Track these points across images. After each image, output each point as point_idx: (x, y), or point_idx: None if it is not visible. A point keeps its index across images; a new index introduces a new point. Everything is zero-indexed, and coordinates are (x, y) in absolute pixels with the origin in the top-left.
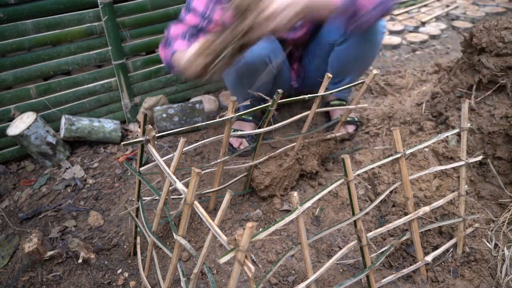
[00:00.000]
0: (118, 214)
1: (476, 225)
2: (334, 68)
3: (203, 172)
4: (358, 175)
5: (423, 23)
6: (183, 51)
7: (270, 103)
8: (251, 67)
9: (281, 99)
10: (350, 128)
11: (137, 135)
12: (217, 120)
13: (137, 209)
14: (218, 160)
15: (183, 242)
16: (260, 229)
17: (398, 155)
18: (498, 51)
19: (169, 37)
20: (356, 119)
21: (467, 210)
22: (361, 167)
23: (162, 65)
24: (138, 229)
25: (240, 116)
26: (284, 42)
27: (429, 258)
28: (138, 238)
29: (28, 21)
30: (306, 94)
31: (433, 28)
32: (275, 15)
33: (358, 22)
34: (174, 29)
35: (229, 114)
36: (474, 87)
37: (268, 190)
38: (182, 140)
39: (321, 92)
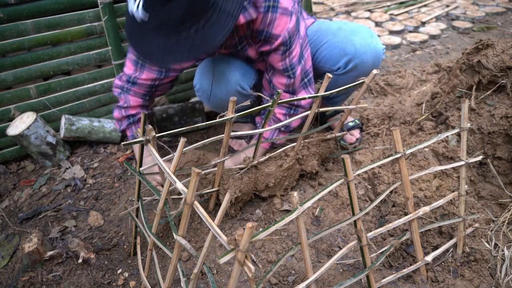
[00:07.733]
0: (118, 214)
1: (476, 225)
2: (329, 89)
3: (203, 172)
4: (358, 175)
5: (423, 23)
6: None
7: (270, 103)
8: (225, 103)
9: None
10: (356, 133)
11: (137, 135)
12: (217, 120)
13: (137, 209)
14: (218, 160)
15: (183, 242)
16: (260, 229)
17: (398, 155)
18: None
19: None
20: (357, 121)
21: (467, 210)
22: (361, 167)
23: None
24: (138, 229)
25: (239, 116)
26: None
27: (429, 258)
28: (138, 238)
29: (28, 21)
30: None
31: (433, 28)
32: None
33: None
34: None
35: (229, 114)
36: (474, 87)
37: (268, 190)
38: (182, 140)
39: (321, 92)
